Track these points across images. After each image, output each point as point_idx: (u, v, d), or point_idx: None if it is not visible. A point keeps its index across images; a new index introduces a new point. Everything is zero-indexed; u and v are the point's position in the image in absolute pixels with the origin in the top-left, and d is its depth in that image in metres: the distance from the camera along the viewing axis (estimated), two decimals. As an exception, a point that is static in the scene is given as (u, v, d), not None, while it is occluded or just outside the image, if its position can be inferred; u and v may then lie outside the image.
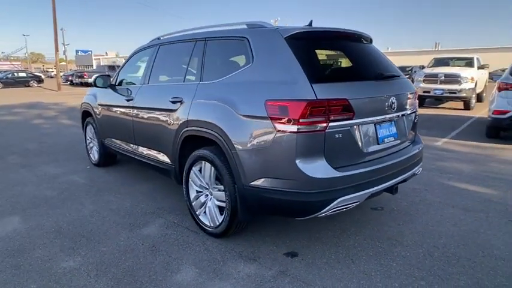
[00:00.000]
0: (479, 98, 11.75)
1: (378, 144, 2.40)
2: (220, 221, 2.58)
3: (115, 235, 2.78)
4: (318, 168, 2.07)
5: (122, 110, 3.72)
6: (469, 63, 11.57)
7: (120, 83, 4.06)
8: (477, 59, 11.73)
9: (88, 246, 2.60)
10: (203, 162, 2.66)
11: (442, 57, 12.79)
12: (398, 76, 2.71)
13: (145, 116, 3.32)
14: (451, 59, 12.41)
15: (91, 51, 49.54)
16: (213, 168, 2.56)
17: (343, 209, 2.19)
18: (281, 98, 2.10)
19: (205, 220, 2.75)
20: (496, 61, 23.65)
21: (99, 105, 4.25)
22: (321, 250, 2.52)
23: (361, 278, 2.18)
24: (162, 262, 2.38)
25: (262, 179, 2.20)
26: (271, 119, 2.11)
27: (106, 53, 52.32)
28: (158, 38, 3.61)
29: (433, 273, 2.23)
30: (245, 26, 2.63)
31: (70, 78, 26.19)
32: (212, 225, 2.66)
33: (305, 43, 2.33)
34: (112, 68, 25.20)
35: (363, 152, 2.28)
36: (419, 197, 3.50)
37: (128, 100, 3.59)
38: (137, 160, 3.65)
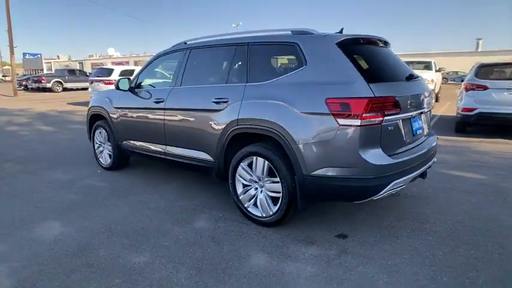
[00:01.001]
0: (436, 98, 12.97)
1: (413, 135, 2.79)
2: (274, 211, 2.80)
3: (169, 231, 2.89)
4: (377, 156, 2.40)
5: (149, 112, 3.79)
6: (427, 66, 12.75)
7: (139, 86, 4.12)
8: (434, 62, 12.97)
9: (149, 243, 2.69)
10: (254, 157, 2.87)
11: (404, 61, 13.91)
12: (418, 77, 3.13)
13: (181, 117, 3.45)
14: (411, 62, 13.55)
15: (40, 54, 46.37)
16: (266, 162, 2.79)
17: (393, 191, 2.54)
18: (342, 96, 2.40)
19: (255, 211, 2.95)
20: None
21: (116, 108, 4.25)
22: (366, 231, 2.84)
23: (409, 250, 2.53)
24: (230, 251, 2.56)
25: (325, 169, 2.48)
26: (333, 115, 2.40)
27: (58, 56, 49.36)
28: (185, 43, 3.74)
29: (464, 241, 2.65)
30: (290, 32, 2.90)
31: (24, 82, 24.42)
32: (265, 215, 2.88)
33: (352, 48, 2.65)
34: (72, 72, 23.93)
35: (406, 142, 2.65)
36: (425, 184, 3.98)
37: (157, 102, 3.67)
38: (166, 160, 3.74)
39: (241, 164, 2.98)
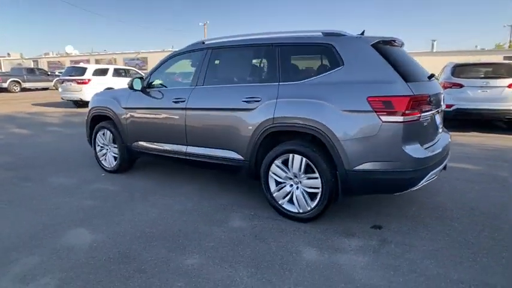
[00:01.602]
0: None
1: (438, 130, 3.00)
2: (313, 206, 2.89)
3: (208, 231, 2.88)
4: (417, 150, 2.57)
5: (167, 112, 3.72)
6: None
7: (151, 86, 4.02)
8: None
9: (193, 245, 2.67)
10: (290, 154, 2.93)
11: None
12: (434, 76, 3.36)
13: (205, 117, 3.43)
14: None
15: (-14, 51, 42.45)
16: (304, 159, 2.86)
17: (426, 183, 2.72)
18: (384, 94, 2.53)
19: (290, 208, 3.02)
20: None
21: (126, 108, 4.11)
22: (396, 221, 3.01)
23: (443, 236, 2.73)
24: (279, 247, 2.61)
25: (367, 163, 2.60)
26: (376, 112, 2.53)
27: (8, 54, 45.68)
28: (202, 43, 3.71)
29: (486, 225, 2.90)
30: (321, 34, 2.99)
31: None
32: (302, 211, 2.95)
33: (384, 49, 2.80)
34: (31, 70, 22.35)
35: (434, 137, 2.85)
36: (429, 175, 4.26)
37: (176, 102, 3.61)
38: (186, 161, 3.69)
39: (275, 161, 3.03)
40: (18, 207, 3.44)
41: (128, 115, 4.12)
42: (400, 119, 2.49)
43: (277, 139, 3.06)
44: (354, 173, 2.65)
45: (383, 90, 2.56)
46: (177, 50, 3.98)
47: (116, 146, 4.38)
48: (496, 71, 7.57)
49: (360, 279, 2.20)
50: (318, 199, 2.86)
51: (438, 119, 3.15)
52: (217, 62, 3.53)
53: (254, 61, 3.32)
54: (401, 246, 2.59)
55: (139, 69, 23.41)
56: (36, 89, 21.80)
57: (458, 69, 7.70)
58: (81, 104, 12.76)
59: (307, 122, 2.77)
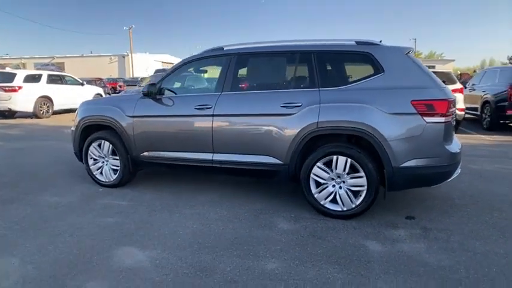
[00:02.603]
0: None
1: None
2: (357, 203, 3.09)
3: (265, 236, 2.87)
4: (452, 146, 2.97)
5: (189, 119, 3.60)
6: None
7: (161, 92, 3.82)
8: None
9: (261, 249, 2.65)
10: (334, 156, 3.10)
11: None
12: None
13: (237, 123, 3.41)
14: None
15: None
16: (349, 159, 3.06)
17: (456, 175, 3.13)
18: (427, 98, 2.88)
19: (333, 207, 3.18)
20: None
21: (133, 117, 3.82)
22: (423, 211, 3.37)
23: (475, 221, 3.12)
24: (342, 243, 2.74)
25: (413, 160, 2.91)
26: (421, 114, 2.87)
27: None
28: (221, 48, 3.68)
29: (487, 208, 3.44)
30: (354, 42, 3.25)
31: None
32: (346, 208, 3.14)
33: (412, 57, 3.17)
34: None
35: (453, 136, 3.30)
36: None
37: (200, 109, 3.52)
38: (212, 168, 3.60)
39: (318, 163, 3.17)
40: (30, 232, 2.97)
41: (136, 124, 3.84)
42: (441, 119, 2.86)
43: (314, 142, 3.20)
44: (400, 170, 2.93)
45: (424, 94, 2.91)
46: (191, 55, 3.86)
47: (116, 157, 4.04)
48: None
49: (433, 262, 2.46)
50: (363, 196, 3.07)
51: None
52: (245, 68, 3.54)
53: (288, 68, 3.43)
54: (443, 231, 2.94)
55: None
56: None
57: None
58: (9, 114, 11.19)
59: (355, 125, 2.97)
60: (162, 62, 54.65)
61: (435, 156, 2.92)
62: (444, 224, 3.08)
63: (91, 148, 4.14)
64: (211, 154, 3.57)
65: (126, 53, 46.93)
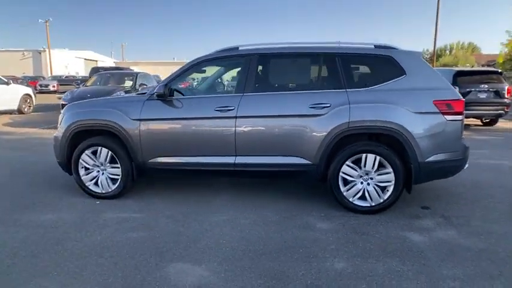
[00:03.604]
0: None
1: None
2: (385, 198, 3.26)
3: (310, 237, 2.87)
4: (465, 141, 3.31)
5: (208, 121, 3.40)
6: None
7: (171, 93, 3.55)
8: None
9: (316, 250, 2.64)
10: (364, 154, 3.23)
11: None
12: None
13: (264, 125, 3.33)
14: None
15: None
16: (377, 157, 3.22)
17: (466, 167, 3.49)
18: (446, 98, 3.17)
19: (361, 203, 3.31)
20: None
21: (140, 120, 3.47)
22: (438, 202, 3.64)
23: (489, 209, 3.48)
24: (386, 236, 2.87)
25: (436, 155, 3.18)
26: (442, 113, 3.14)
27: None
28: (236, 48, 3.55)
29: (484, 194, 3.92)
30: (373, 46, 3.41)
31: None
32: (374, 203, 3.28)
33: (425, 61, 3.46)
34: None
35: None
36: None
37: (221, 110, 3.35)
38: (234, 172, 3.47)
39: (347, 162, 3.27)
40: (46, 256, 2.52)
41: (145, 128, 3.50)
42: (459, 117, 3.18)
43: (343, 142, 3.30)
44: (425, 165, 3.18)
45: (443, 95, 3.19)
46: (202, 55, 3.64)
47: (116, 165, 3.63)
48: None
49: (472, 246, 2.71)
50: (390, 191, 3.25)
51: None
52: (267, 69, 3.48)
53: (312, 69, 3.45)
54: (462, 218, 3.26)
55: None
56: None
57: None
58: None
59: (387, 124, 3.13)
60: (85, 59, 50.19)
61: (453, 151, 3.24)
62: (457, 211, 3.42)
63: (83, 156, 3.65)
64: (234, 157, 3.43)
65: (42, 49, 42.01)
